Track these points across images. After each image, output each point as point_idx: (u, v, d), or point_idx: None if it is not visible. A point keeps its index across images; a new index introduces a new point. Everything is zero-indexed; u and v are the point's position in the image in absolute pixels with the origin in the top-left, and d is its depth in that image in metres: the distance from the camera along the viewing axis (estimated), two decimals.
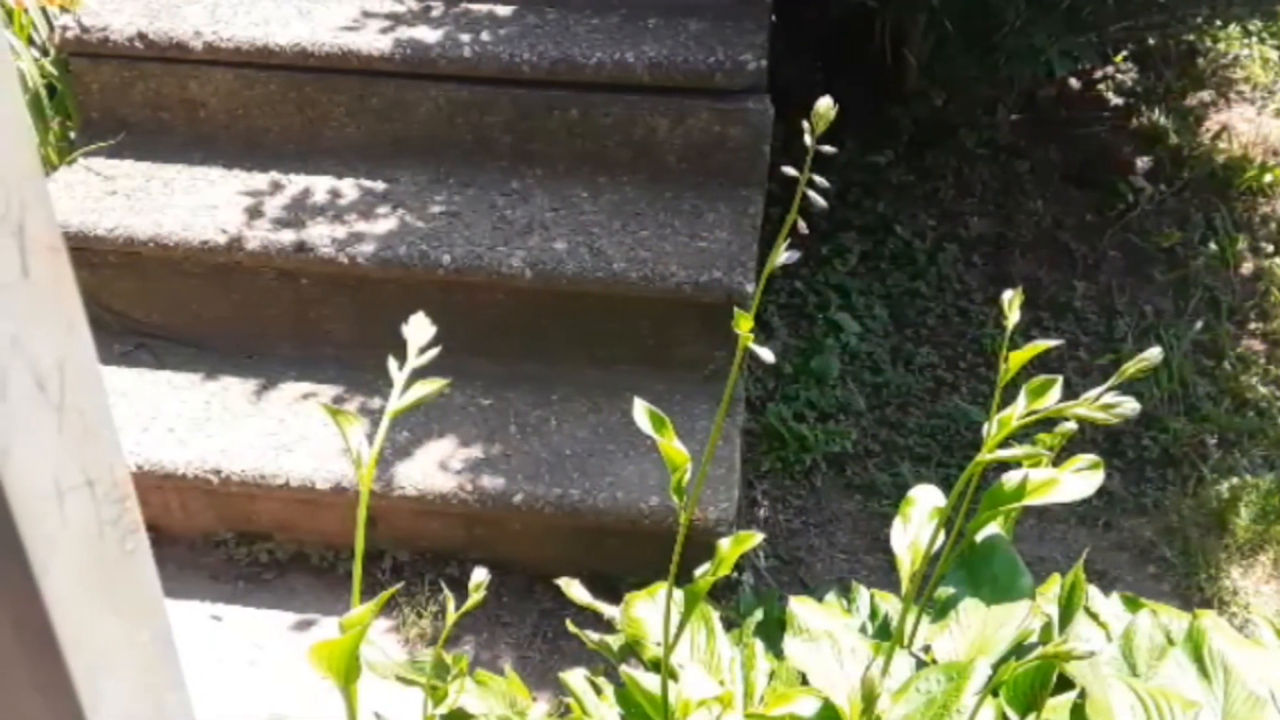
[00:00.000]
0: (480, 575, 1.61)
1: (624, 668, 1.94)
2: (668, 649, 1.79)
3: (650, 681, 1.89)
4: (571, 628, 2.17)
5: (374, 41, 3.52)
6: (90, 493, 0.71)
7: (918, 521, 2.05)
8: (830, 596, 2.20)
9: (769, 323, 3.79)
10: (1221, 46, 4.97)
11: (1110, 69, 4.84)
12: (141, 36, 3.54)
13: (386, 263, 3.23)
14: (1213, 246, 4.13)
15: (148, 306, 3.43)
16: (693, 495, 1.68)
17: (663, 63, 3.46)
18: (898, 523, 2.06)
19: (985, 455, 1.64)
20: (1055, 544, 3.28)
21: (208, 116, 3.65)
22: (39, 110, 3.68)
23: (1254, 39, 4.96)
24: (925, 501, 2.07)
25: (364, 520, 1.59)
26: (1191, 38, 4.91)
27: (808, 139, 1.51)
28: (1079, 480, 1.84)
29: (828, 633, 1.88)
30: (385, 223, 3.33)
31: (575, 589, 2.08)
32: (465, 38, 3.56)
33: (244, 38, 3.53)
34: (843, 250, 4.05)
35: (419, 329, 1.58)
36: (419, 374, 1.56)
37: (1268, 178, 4.37)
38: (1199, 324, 3.87)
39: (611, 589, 2.81)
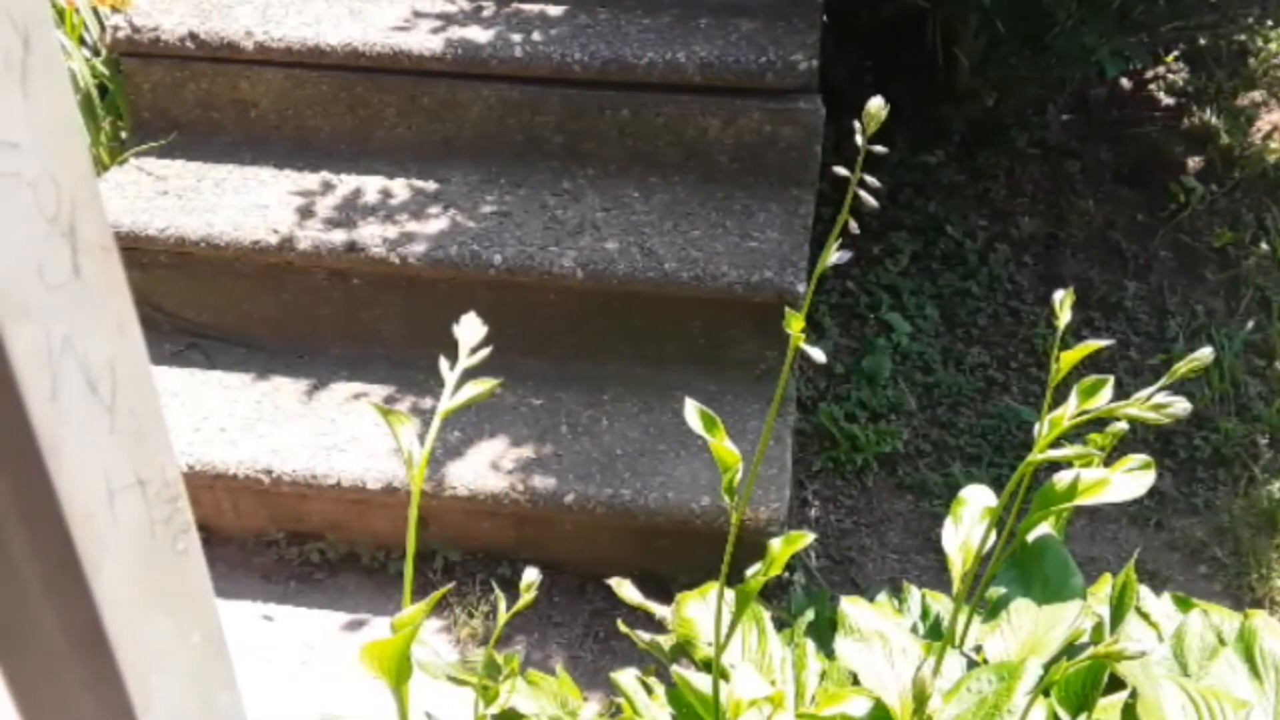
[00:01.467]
0: (532, 575, 1.61)
1: (675, 668, 1.94)
2: (719, 649, 1.79)
3: (702, 681, 1.89)
4: (623, 628, 2.17)
5: (425, 41, 3.53)
6: (142, 492, 0.71)
7: (969, 521, 2.05)
8: (881, 596, 2.20)
9: (820, 322, 3.78)
10: (1273, 46, 4.94)
11: (1161, 69, 4.82)
12: (193, 36, 3.55)
13: (438, 262, 3.24)
14: (1264, 247, 4.11)
15: (199, 306, 3.44)
16: (744, 495, 1.68)
17: (714, 63, 3.46)
18: (949, 523, 2.06)
19: (1037, 455, 1.64)
20: (1106, 544, 3.27)
21: (259, 116, 3.66)
22: (90, 110, 3.70)
23: None
24: (977, 501, 2.07)
25: (415, 520, 1.59)
26: (1243, 38, 4.87)
27: (859, 139, 1.50)
28: (1130, 480, 1.83)
29: (879, 633, 1.88)
30: (436, 223, 3.34)
31: (626, 589, 2.09)
32: (516, 38, 3.56)
33: (295, 38, 3.54)
34: (894, 250, 4.03)
35: (470, 329, 1.59)
36: (470, 374, 1.57)
37: None
38: (1250, 324, 3.85)
39: (663, 589, 2.81)
